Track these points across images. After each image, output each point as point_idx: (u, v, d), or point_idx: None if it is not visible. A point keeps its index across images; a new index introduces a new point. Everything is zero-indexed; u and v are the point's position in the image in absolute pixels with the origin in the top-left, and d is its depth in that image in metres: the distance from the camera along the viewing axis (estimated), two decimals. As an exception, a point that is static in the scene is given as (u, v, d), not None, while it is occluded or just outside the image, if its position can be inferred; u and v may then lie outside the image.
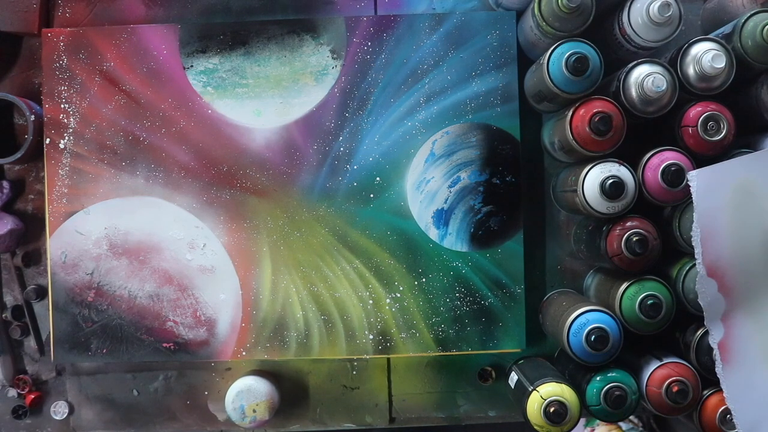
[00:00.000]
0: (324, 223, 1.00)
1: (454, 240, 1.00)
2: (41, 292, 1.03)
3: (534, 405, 0.88)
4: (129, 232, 0.99)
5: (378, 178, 1.00)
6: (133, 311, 1.00)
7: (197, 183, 1.00)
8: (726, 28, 0.89)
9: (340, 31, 1.00)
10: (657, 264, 0.90)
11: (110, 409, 1.04)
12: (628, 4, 0.87)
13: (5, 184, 1.02)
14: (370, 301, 1.00)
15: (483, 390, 1.05)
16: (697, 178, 0.84)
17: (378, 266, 1.00)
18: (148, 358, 1.00)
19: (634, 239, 0.86)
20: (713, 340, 0.85)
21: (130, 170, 0.99)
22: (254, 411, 1.00)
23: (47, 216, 0.99)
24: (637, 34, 0.86)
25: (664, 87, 0.84)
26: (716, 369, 0.85)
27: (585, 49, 0.86)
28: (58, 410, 1.03)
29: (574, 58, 0.85)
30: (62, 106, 0.99)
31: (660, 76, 0.84)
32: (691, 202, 0.84)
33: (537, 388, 0.89)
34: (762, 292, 0.85)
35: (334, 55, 1.00)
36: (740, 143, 0.89)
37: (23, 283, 1.04)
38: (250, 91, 1.00)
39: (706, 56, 0.84)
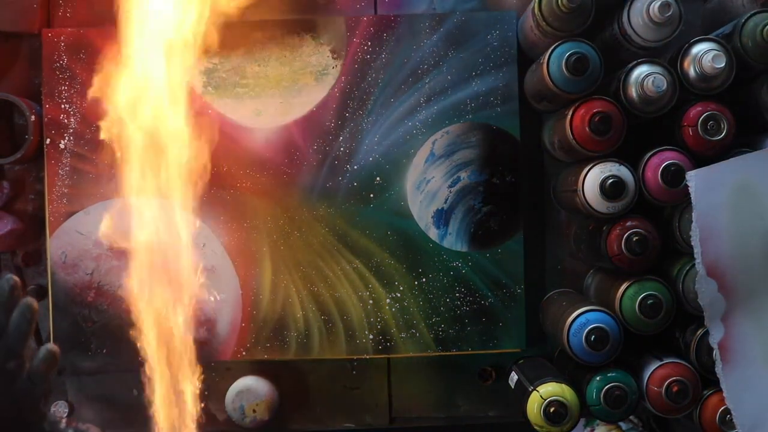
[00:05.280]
0: (324, 223, 1.00)
1: (454, 240, 1.00)
2: (41, 292, 1.02)
3: (534, 405, 0.88)
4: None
5: (378, 178, 1.00)
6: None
7: (197, 183, 0.99)
8: (726, 28, 0.89)
9: (340, 31, 1.00)
10: (657, 264, 0.90)
11: (110, 409, 1.04)
12: (628, 4, 0.86)
13: (5, 184, 1.02)
14: (370, 301, 1.00)
15: (483, 390, 1.04)
16: (695, 178, 0.84)
17: (378, 266, 1.00)
18: (149, 358, 1.00)
19: (634, 239, 0.86)
20: (713, 340, 0.85)
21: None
22: (254, 411, 1.00)
23: (47, 216, 0.99)
24: (637, 34, 0.86)
25: (664, 87, 0.84)
26: (716, 369, 0.85)
27: (585, 49, 0.86)
28: (58, 410, 1.02)
29: (574, 58, 0.85)
30: (62, 106, 0.99)
31: (660, 76, 0.84)
32: (691, 201, 0.84)
33: (537, 388, 0.89)
34: (762, 292, 0.85)
35: (334, 55, 1.00)
36: (740, 143, 0.89)
37: (23, 283, 1.04)
38: (250, 90, 1.00)
39: (706, 56, 0.84)
